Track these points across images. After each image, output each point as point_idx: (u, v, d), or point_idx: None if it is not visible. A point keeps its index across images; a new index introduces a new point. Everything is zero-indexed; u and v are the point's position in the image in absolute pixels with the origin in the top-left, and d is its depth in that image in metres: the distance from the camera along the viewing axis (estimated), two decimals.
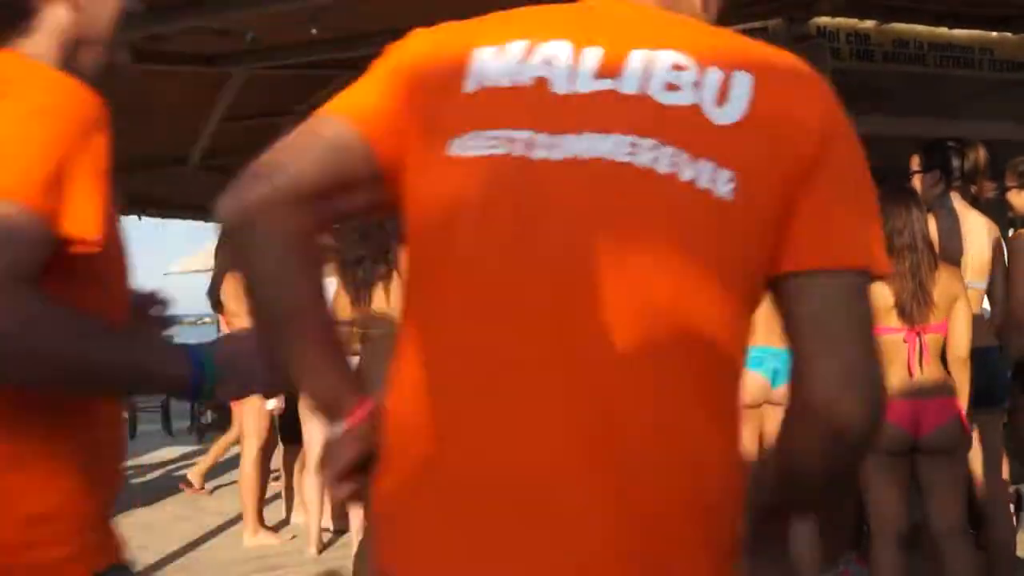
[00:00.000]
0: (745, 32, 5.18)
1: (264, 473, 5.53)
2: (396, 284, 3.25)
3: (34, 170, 1.12)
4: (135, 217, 9.45)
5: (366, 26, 4.65)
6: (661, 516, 0.90)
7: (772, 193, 0.93)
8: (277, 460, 5.95)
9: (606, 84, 0.96)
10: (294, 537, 5.52)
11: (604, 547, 0.89)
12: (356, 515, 5.21)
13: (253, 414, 5.43)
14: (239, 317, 5.34)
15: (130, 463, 9.07)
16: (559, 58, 0.98)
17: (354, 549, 5.16)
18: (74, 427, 1.23)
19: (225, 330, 5.75)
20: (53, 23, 1.29)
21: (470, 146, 0.97)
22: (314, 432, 5.31)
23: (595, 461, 0.90)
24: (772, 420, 3.29)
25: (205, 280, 5.95)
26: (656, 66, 0.96)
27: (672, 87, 0.95)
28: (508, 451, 0.92)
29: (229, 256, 5.42)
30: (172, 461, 9.03)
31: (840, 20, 5.42)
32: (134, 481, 8.07)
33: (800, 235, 0.93)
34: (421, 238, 1.01)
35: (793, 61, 0.99)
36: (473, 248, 0.95)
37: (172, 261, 17.71)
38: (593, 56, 0.98)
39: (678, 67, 0.95)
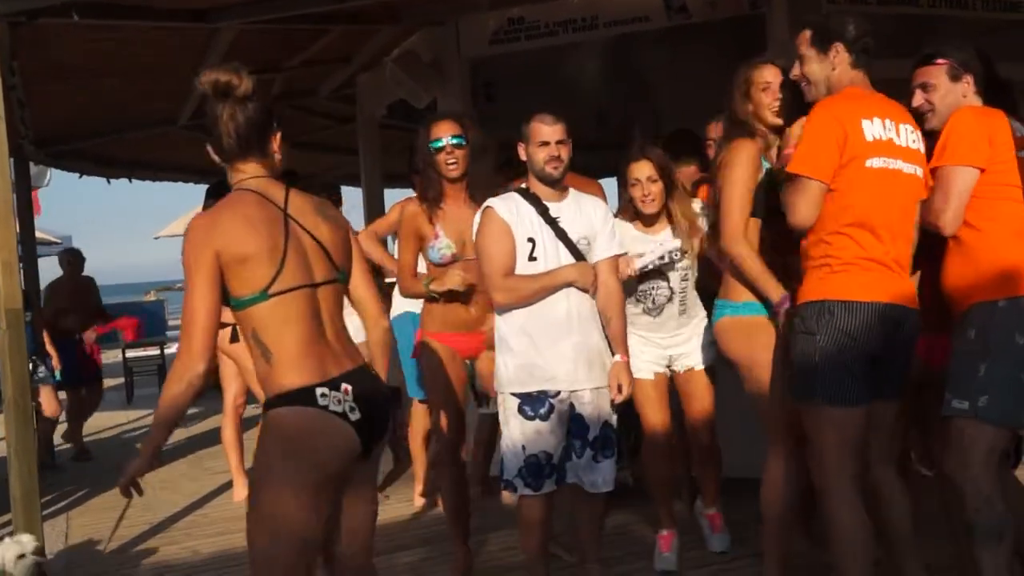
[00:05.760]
0: None
1: None
2: None
3: None
4: (125, 180, 9.39)
5: None
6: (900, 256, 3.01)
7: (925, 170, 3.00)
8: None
9: (898, 140, 2.93)
10: None
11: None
12: None
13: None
14: None
15: (129, 426, 9.11)
16: (884, 126, 2.91)
17: None
18: None
19: None
20: None
21: (875, 163, 2.90)
22: None
23: (898, 241, 2.96)
24: None
25: None
26: (908, 130, 2.96)
27: (913, 141, 2.95)
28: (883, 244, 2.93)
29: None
30: None
31: None
32: (138, 445, 8.11)
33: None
34: (852, 193, 2.89)
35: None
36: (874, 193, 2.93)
37: (161, 224, 17.65)
38: (891, 125, 2.92)
39: (909, 131, 2.96)
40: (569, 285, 3.34)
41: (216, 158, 2.44)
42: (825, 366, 2.87)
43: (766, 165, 3.25)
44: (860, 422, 2.90)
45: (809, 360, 2.90)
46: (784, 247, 3.16)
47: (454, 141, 3.73)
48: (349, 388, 2.37)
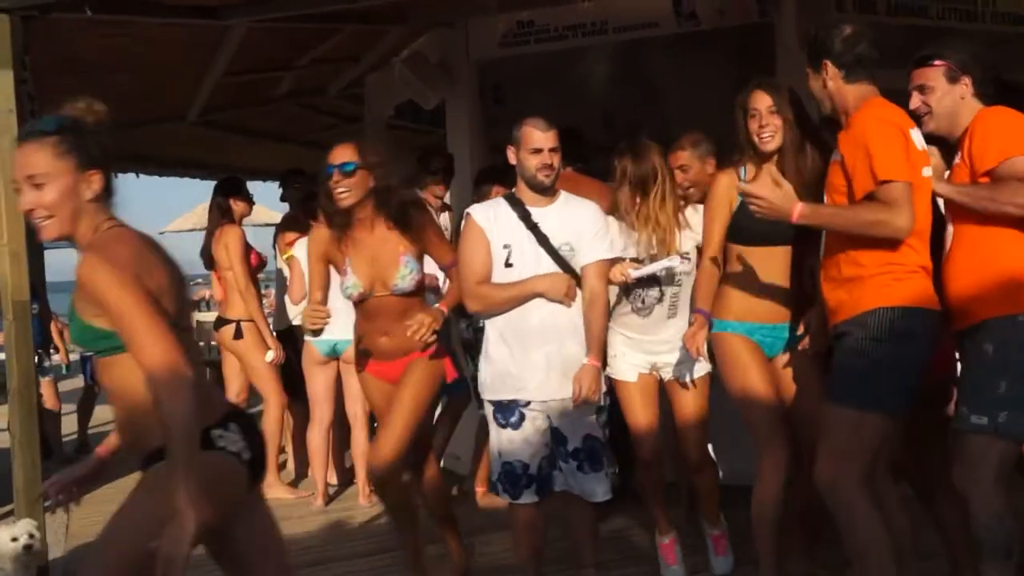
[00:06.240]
0: None
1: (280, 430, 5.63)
2: None
3: None
4: (132, 175, 9.40)
5: None
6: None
7: None
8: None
9: (923, 147, 2.89)
10: (312, 493, 5.49)
11: None
12: (361, 468, 5.28)
13: (264, 376, 5.47)
14: (230, 270, 5.41)
15: None
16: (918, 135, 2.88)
17: (360, 501, 5.24)
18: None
19: (217, 286, 5.78)
20: None
21: (926, 172, 2.87)
22: (318, 388, 5.35)
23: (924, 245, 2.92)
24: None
25: (198, 240, 5.94)
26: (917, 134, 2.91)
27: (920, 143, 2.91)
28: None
29: (219, 213, 5.49)
30: None
31: None
32: None
33: None
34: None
35: None
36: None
37: (168, 219, 17.62)
38: (919, 134, 2.89)
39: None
40: (539, 296, 3.28)
41: (100, 190, 2.25)
42: (893, 375, 2.80)
43: (740, 198, 3.21)
44: (894, 431, 2.90)
45: (874, 368, 2.81)
46: (802, 270, 3.23)
47: (344, 169, 3.45)
48: (237, 427, 2.25)
